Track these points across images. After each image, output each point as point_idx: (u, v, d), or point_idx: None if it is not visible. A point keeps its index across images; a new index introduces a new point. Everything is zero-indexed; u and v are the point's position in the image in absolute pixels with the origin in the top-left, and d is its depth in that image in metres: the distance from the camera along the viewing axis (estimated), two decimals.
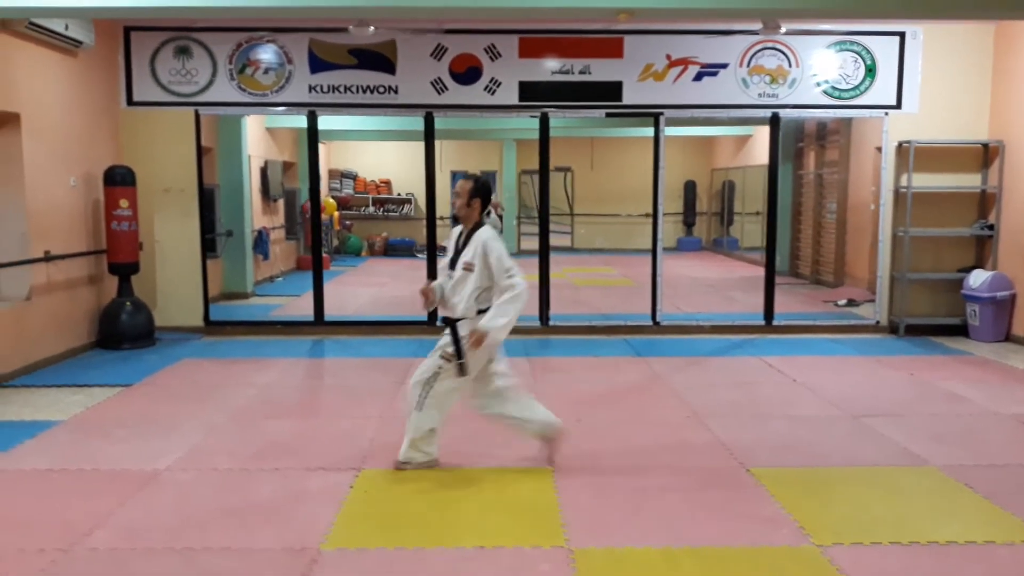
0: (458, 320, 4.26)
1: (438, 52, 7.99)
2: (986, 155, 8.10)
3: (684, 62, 8.04)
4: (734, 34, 7.96)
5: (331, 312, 8.40)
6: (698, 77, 8.06)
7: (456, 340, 4.21)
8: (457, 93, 8.03)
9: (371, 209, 17.60)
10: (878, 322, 8.35)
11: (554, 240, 8.73)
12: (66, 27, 6.72)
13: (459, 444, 4.68)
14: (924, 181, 8.06)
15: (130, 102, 7.97)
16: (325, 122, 8.40)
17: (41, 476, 4.26)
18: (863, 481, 4.20)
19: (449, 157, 17.03)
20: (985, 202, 8.17)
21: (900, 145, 8.09)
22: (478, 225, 4.32)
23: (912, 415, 5.39)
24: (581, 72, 8.06)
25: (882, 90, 8.06)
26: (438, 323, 4.35)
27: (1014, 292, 7.72)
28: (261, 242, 11.70)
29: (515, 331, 8.11)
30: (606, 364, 7.00)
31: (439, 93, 8.03)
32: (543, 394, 5.86)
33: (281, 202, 13.46)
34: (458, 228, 4.44)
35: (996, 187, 7.97)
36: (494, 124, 14.00)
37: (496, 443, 4.76)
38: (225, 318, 8.55)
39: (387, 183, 17.95)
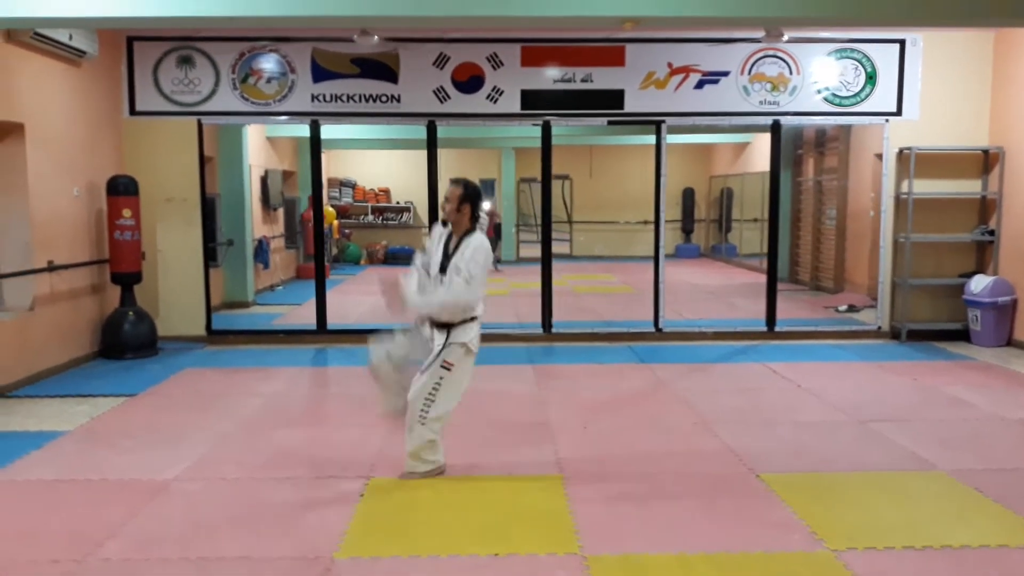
0: (446, 324, 4.17)
1: (440, 61, 8.01)
2: (986, 161, 8.15)
3: (685, 70, 8.08)
4: (735, 42, 8.01)
5: (332, 321, 8.39)
6: (699, 85, 8.10)
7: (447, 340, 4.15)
8: (459, 102, 8.05)
9: (370, 217, 17.61)
10: (880, 328, 8.37)
11: (554, 247, 8.73)
12: (70, 37, 6.74)
13: (466, 453, 4.68)
14: (925, 187, 8.10)
15: (133, 112, 7.98)
16: (326, 131, 8.41)
17: (49, 487, 4.24)
18: (873, 486, 4.21)
19: (448, 165, 16.94)
20: (986, 208, 8.21)
21: (901, 152, 8.13)
22: (470, 231, 4.24)
23: (918, 420, 5.40)
24: (583, 80, 8.09)
25: (883, 97, 8.10)
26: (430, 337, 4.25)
27: (1015, 297, 7.75)
28: (261, 251, 11.69)
29: (518, 339, 8.21)
30: (610, 371, 7.00)
31: (441, 102, 8.05)
32: (549, 401, 5.90)
33: (281, 211, 13.47)
34: (442, 229, 4.32)
35: (996, 193, 8.01)
36: (493, 132, 14.04)
37: (503, 451, 4.77)
38: (227, 327, 8.54)
39: (386, 191, 17.96)
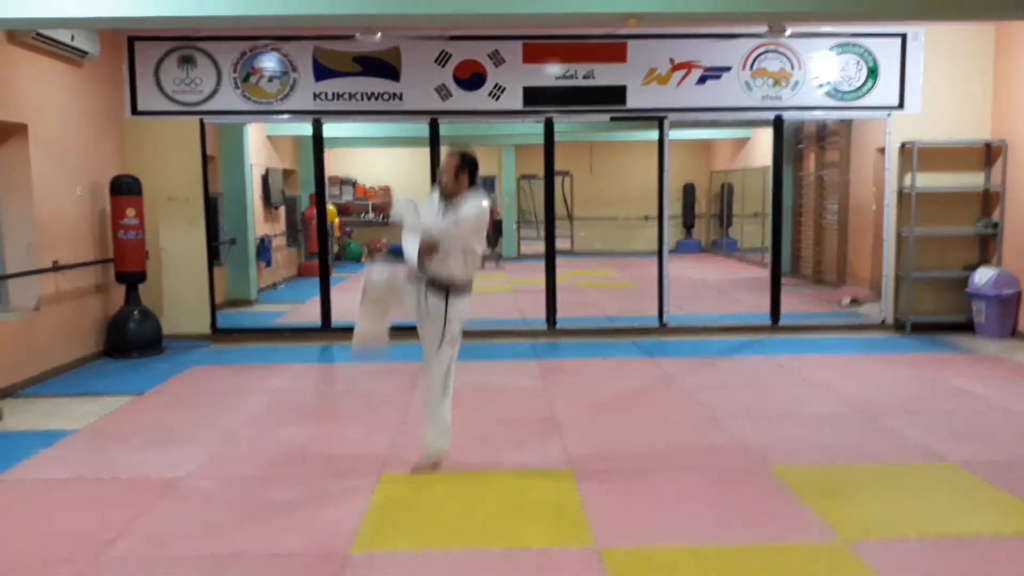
0: (448, 284, 4.15)
1: (442, 58, 8.01)
2: (988, 154, 8.15)
3: (687, 66, 8.08)
4: (737, 37, 8.01)
5: (336, 318, 8.38)
6: (701, 80, 8.09)
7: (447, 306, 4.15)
8: (461, 99, 8.04)
9: (371, 215, 17.59)
10: (884, 321, 8.38)
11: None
12: (72, 38, 6.73)
13: (476, 448, 4.70)
14: (927, 181, 8.10)
15: (135, 111, 7.97)
16: (327, 129, 8.40)
17: (61, 485, 4.24)
18: (883, 478, 4.22)
19: None
20: (989, 201, 8.22)
21: (903, 146, 8.13)
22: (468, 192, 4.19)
23: (925, 412, 5.41)
24: (585, 77, 8.09)
25: (884, 91, 8.10)
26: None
27: (1019, 289, 7.76)
28: (264, 249, 11.69)
29: (522, 334, 8.21)
30: (616, 366, 7.01)
31: (443, 99, 8.04)
32: (555, 396, 5.91)
33: (282, 209, 13.46)
34: (434, 195, 4.29)
35: (999, 186, 8.01)
36: (492, 130, 14.04)
37: (512, 446, 4.78)
38: (231, 325, 8.54)
39: (386, 189, 17.94)
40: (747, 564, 3.26)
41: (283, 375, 6.74)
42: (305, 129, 8.30)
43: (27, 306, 6.55)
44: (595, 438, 4.94)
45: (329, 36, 7.91)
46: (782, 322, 8.38)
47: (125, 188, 7.41)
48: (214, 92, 7.95)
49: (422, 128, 8.27)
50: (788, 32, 7.55)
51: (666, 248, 8.41)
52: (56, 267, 6.76)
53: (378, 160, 17.88)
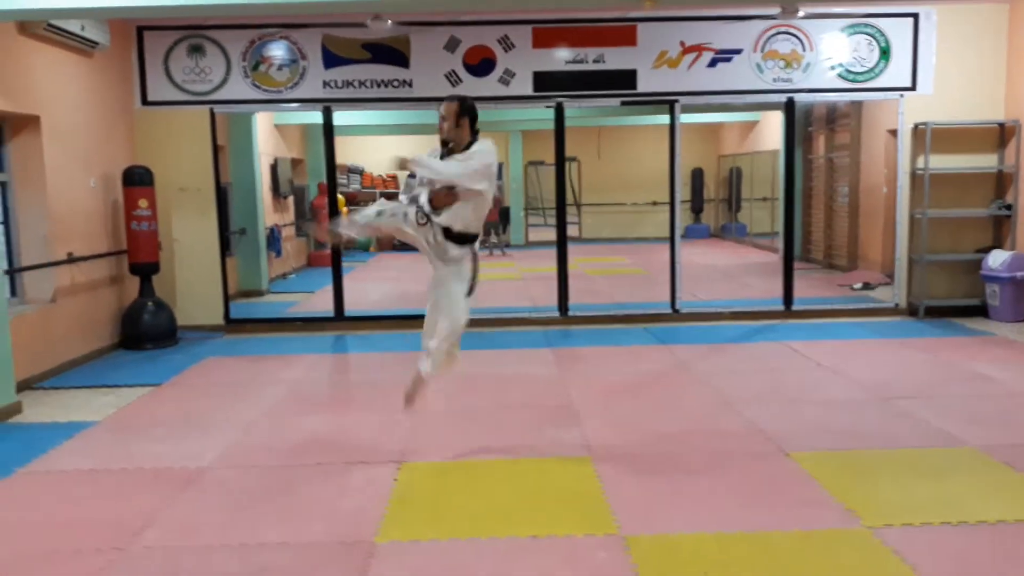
0: (465, 234, 4.22)
1: (452, 45, 7.97)
2: (1002, 135, 8.09)
3: (698, 48, 8.02)
4: (748, 19, 7.94)
5: (347, 307, 8.39)
6: (712, 63, 8.04)
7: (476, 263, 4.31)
8: (471, 85, 8.00)
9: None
10: (897, 304, 8.36)
11: None
12: (82, 28, 6.71)
13: (494, 436, 4.72)
14: (940, 162, 8.05)
15: (145, 102, 7.96)
16: (336, 117, 8.37)
17: (85, 476, 4.28)
18: (903, 463, 4.22)
19: None
20: (1002, 182, 8.17)
21: (916, 127, 8.08)
22: (470, 144, 4.24)
23: (942, 396, 5.41)
24: (595, 61, 8.04)
25: (897, 72, 8.04)
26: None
27: None
28: (274, 239, 11.70)
29: (534, 322, 8.22)
30: (630, 352, 7.01)
31: (453, 85, 8.01)
32: (571, 384, 5.92)
33: (291, 199, 13.46)
34: (432, 150, 4.36)
35: (1013, 167, 7.96)
36: (500, 116, 13.97)
37: (530, 433, 4.79)
38: (243, 316, 8.57)
39: (394, 177, 17.90)
40: (772, 551, 3.28)
41: (298, 365, 6.77)
42: (314, 117, 8.27)
43: (43, 298, 6.58)
44: (612, 425, 4.96)
45: (338, 23, 7.87)
46: (795, 307, 8.36)
47: (137, 179, 7.42)
48: (224, 81, 7.94)
49: (429, 115, 8.21)
50: (801, 13, 7.47)
51: (678, 233, 8.39)
52: (71, 259, 6.79)
53: (385, 148, 17.82)
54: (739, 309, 8.45)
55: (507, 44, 7.98)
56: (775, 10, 7.55)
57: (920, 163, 8.09)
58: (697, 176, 18.09)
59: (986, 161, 8.14)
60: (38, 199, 6.53)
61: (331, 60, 7.97)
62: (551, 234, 8.64)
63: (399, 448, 4.57)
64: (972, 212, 8.15)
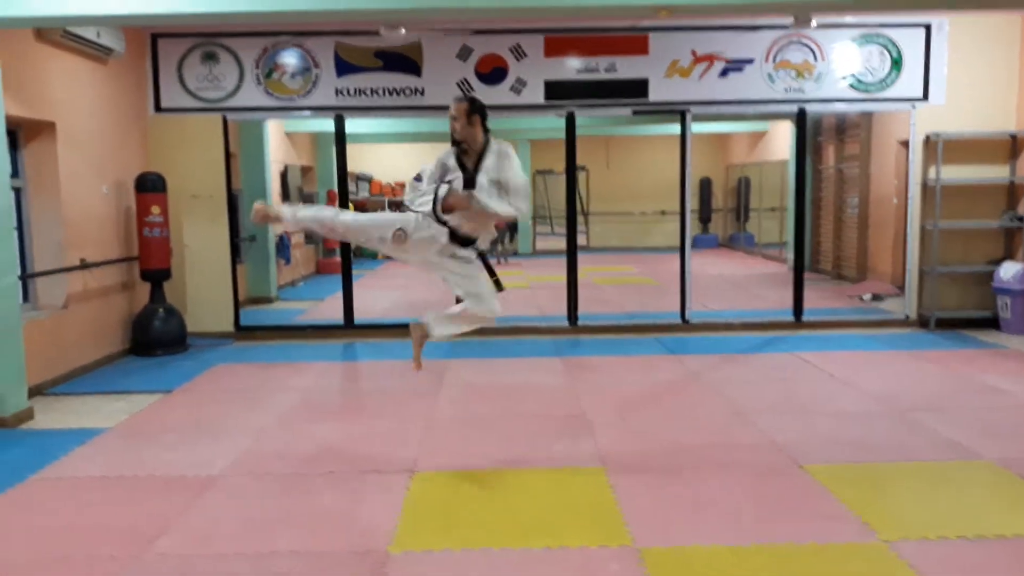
0: (466, 237, 4.30)
1: (464, 53, 7.99)
2: (1014, 146, 8.07)
3: (710, 58, 8.03)
4: (759, 29, 7.95)
5: (356, 315, 8.40)
6: (724, 73, 8.05)
7: (487, 263, 4.41)
8: (483, 93, 8.01)
9: (387, 212, 17.62)
10: (907, 316, 8.33)
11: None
12: (98, 35, 6.76)
13: (506, 446, 4.71)
14: (952, 173, 8.03)
15: (158, 109, 8.01)
16: (348, 125, 8.40)
17: (98, 483, 4.28)
18: (919, 476, 4.20)
19: None
20: (1014, 193, 8.14)
21: (928, 138, 8.06)
22: (487, 143, 4.31)
23: (956, 409, 5.38)
24: (607, 70, 8.05)
25: (909, 83, 8.03)
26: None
27: None
28: (283, 247, 11.73)
29: (544, 331, 8.21)
30: (640, 363, 7.00)
31: (465, 94, 8.02)
32: (582, 393, 5.90)
33: None
34: (445, 151, 4.40)
35: None
36: (508, 125, 13.99)
37: (542, 444, 4.78)
38: (253, 323, 8.58)
39: (403, 185, 17.95)
40: (788, 564, 3.25)
41: (308, 373, 6.77)
42: (325, 125, 8.30)
43: (55, 304, 6.60)
44: (625, 435, 4.94)
45: (351, 31, 7.91)
46: (805, 318, 8.34)
47: (150, 185, 7.45)
48: (237, 88, 7.98)
49: (442, 123, 8.24)
50: (814, 24, 7.47)
51: (688, 243, 8.38)
52: (84, 265, 6.81)
53: (393, 156, 17.89)
54: (749, 320, 8.43)
55: (519, 53, 8.01)
56: (786, 20, 7.55)
57: (932, 174, 8.07)
58: (705, 186, 18.08)
59: (998, 172, 8.12)
60: (52, 205, 6.56)
61: (343, 68, 8.00)
62: (558, 243, 8.65)
63: (411, 457, 4.57)
64: (983, 224, 8.12)
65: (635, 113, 8.28)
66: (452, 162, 4.34)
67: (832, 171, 12.56)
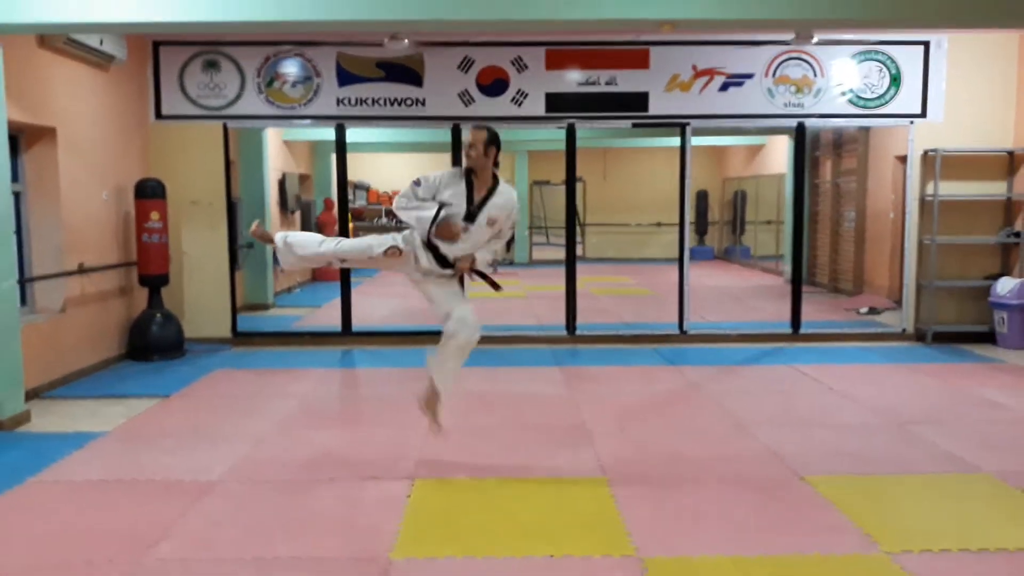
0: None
1: (465, 64, 8.03)
2: (1012, 162, 8.13)
3: (710, 72, 8.08)
4: (760, 44, 8.01)
5: (354, 322, 8.38)
6: (724, 87, 8.10)
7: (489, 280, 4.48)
8: (484, 105, 8.06)
9: (384, 220, 17.62)
10: (904, 330, 8.35)
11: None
12: (100, 42, 6.77)
13: (507, 455, 4.70)
14: (949, 189, 8.09)
15: (159, 116, 8.01)
16: (348, 134, 8.41)
17: (97, 487, 4.25)
18: (919, 488, 4.21)
19: None
20: (1011, 209, 8.20)
21: (926, 154, 8.12)
22: (495, 178, 4.36)
23: (954, 422, 5.39)
24: (607, 83, 8.10)
25: (907, 99, 8.09)
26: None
27: None
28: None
29: (542, 340, 8.21)
30: (639, 373, 7.00)
31: (466, 105, 8.06)
32: (582, 403, 5.90)
33: (298, 214, 13.50)
34: (452, 171, 4.39)
35: (1022, 195, 7.99)
36: (508, 135, 13.98)
37: (543, 453, 4.77)
38: (250, 329, 8.56)
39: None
40: (792, 575, 3.25)
41: (306, 379, 6.75)
42: (323, 134, 8.32)
43: (53, 308, 6.57)
44: (626, 445, 4.94)
45: (352, 42, 7.94)
46: (802, 331, 8.36)
47: (150, 192, 7.45)
48: (238, 97, 7.99)
49: (440, 134, 8.29)
50: (815, 40, 7.53)
51: (687, 255, 8.40)
52: (82, 270, 6.79)
53: (391, 165, 17.93)
54: (747, 331, 8.45)
55: (520, 65, 8.05)
56: (786, 35, 7.61)
57: (929, 189, 8.12)
58: (702, 198, 18.15)
59: (995, 188, 8.17)
60: (52, 210, 6.55)
61: (345, 78, 8.03)
62: (555, 253, 8.67)
63: (412, 464, 4.55)
64: (980, 239, 8.17)
65: (635, 126, 8.33)
66: (459, 187, 4.31)
67: (829, 185, 12.63)
